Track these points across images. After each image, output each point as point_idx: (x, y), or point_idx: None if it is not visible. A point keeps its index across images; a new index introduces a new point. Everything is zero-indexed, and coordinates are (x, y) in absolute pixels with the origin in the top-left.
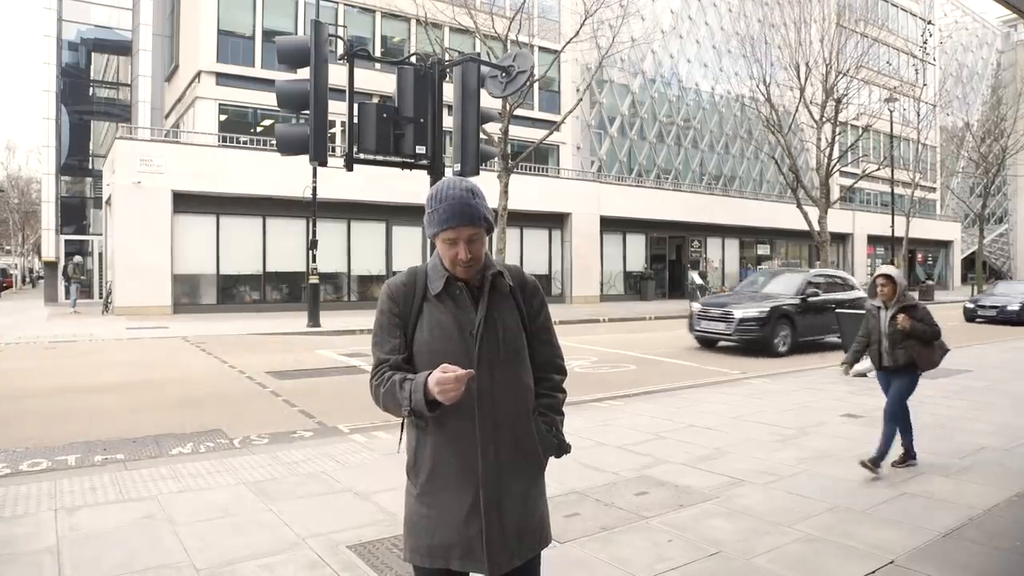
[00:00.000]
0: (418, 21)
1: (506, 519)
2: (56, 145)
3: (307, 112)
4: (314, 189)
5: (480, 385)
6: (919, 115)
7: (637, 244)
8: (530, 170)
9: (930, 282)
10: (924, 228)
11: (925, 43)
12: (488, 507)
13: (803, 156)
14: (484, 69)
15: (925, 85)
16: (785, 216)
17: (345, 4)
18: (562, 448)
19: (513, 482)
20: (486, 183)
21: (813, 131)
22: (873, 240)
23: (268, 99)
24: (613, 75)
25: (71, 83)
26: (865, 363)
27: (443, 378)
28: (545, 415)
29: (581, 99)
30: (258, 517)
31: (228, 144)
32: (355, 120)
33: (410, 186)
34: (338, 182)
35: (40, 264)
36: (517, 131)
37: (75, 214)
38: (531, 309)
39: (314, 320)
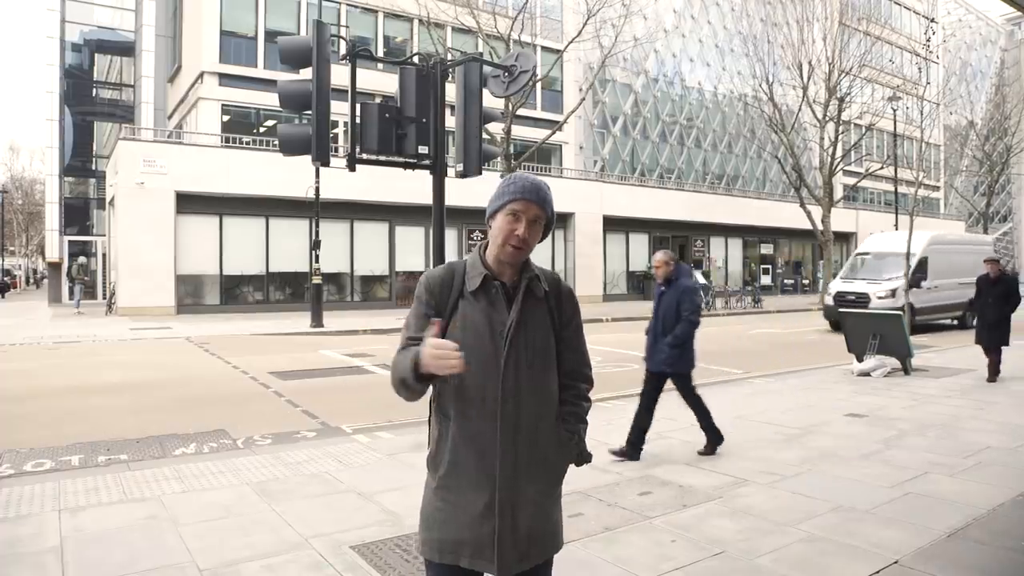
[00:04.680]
0: (420, 21)
1: (519, 522)
2: (59, 146)
3: (309, 112)
4: (317, 189)
5: (505, 387)
6: (922, 113)
7: (640, 243)
8: (533, 170)
9: None
10: (928, 227)
11: (928, 41)
12: (503, 508)
13: (806, 155)
14: (486, 69)
15: (928, 83)
16: (788, 215)
17: (347, 4)
18: (583, 457)
19: (529, 486)
20: (488, 183)
21: (816, 130)
22: None
23: (270, 99)
24: (616, 74)
25: (74, 84)
26: (869, 362)
27: (439, 342)
28: (568, 423)
29: (584, 98)
30: (261, 517)
31: (231, 144)
32: (357, 120)
33: (413, 186)
34: (341, 182)
35: (44, 265)
36: (520, 131)
37: (78, 215)
38: (563, 315)
39: (317, 320)
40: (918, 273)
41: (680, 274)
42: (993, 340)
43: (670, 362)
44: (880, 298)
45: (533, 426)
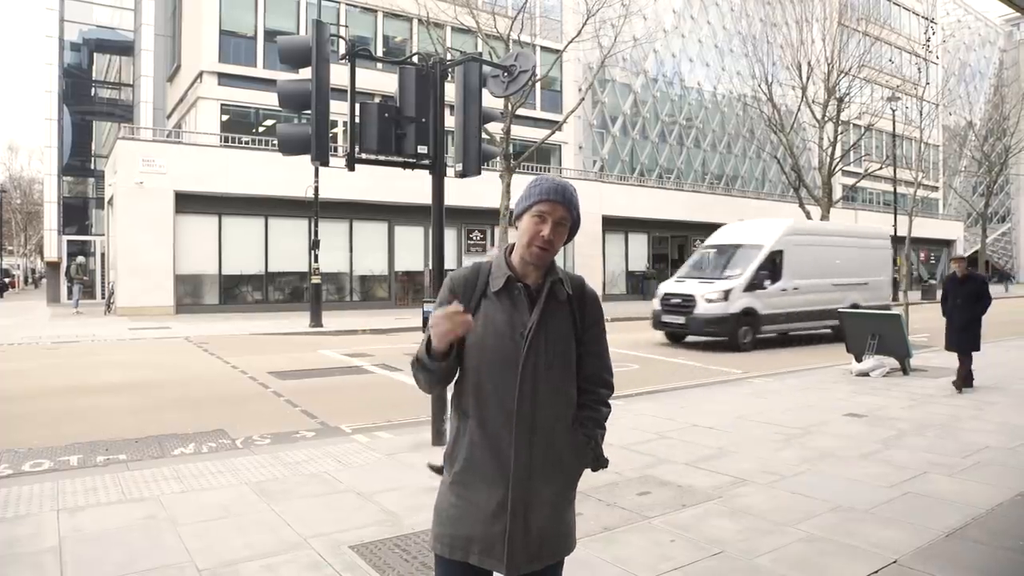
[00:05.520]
0: (420, 21)
1: (531, 522)
2: (58, 146)
3: (309, 112)
4: (316, 189)
5: (522, 388)
6: (921, 114)
7: (639, 244)
8: (532, 170)
9: (932, 281)
10: (926, 227)
11: (927, 41)
12: (515, 508)
13: (805, 155)
14: (486, 69)
15: (927, 84)
16: (787, 215)
17: (347, 4)
18: (599, 462)
19: (544, 487)
20: (488, 183)
21: (815, 130)
22: None
23: (270, 99)
24: (615, 74)
25: (73, 83)
26: (868, 362)
27: (435, 313)
28: (586, 427)
29: (583, 98)
30: (260, 517)
31: (230, 144)
32: (357, 120)
33: (412, 186)
34: (340, 182)
35: (42, 265)
36: (519, 131)
37: (77, 214)
38: (585, 319)
39: (316, 320)
40: (764, 270)
41: None
42: (963, 344)
43: None
44: (709, 301)
45: (549, 428)
